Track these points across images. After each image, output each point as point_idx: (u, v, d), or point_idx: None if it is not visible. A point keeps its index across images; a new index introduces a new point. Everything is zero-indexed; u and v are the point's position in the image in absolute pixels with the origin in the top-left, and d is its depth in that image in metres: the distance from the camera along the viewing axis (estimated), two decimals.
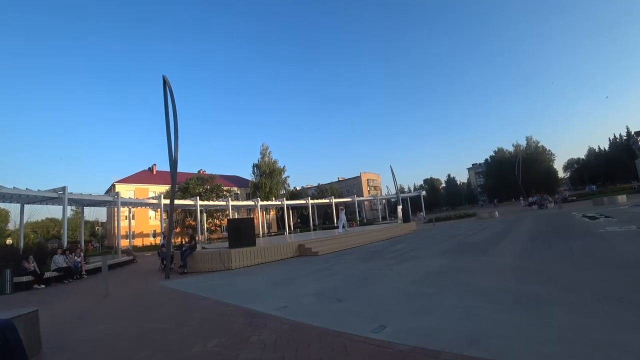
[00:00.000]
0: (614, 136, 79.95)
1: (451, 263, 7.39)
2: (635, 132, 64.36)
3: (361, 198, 61.50)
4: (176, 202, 32.24)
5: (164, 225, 32.20)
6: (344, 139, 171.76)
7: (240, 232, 11.34)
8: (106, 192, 44.74)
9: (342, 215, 18.79)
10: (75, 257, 13.57)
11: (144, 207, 39.04)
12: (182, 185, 46.33)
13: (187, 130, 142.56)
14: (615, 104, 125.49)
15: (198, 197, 30.97)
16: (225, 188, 50.28)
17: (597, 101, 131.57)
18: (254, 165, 60.29)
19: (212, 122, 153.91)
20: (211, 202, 36.15)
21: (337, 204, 53.50)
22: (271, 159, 60.26)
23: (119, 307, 6.61)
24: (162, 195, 28.12)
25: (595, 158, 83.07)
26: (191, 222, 43.19)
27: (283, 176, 60.97)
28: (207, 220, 44.17)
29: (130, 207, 33.96)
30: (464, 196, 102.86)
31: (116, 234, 28.36)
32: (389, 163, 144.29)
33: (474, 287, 4.91)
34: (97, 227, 62.43)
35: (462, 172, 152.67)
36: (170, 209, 10.65)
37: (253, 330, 3.89)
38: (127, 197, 35.48)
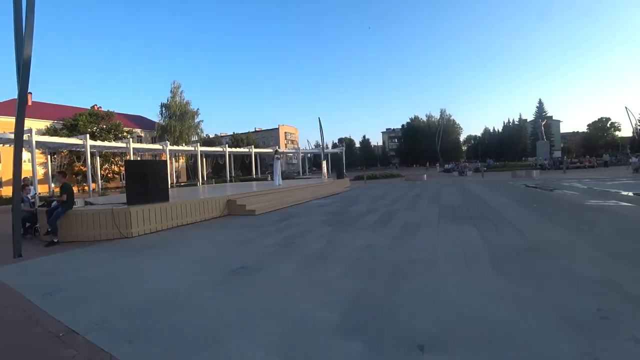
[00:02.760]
0: (508, 120, 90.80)
1: (506, 237, 5.32)
2: (540, 117, 73.14)
3: (284, 150, 58.58)
4: (57, 139, 25.25)
5: (39, 171, 25.08)
6: (261, 90, 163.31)
7: (147, 180, 7.76)
8: None
9: (278, 166, 15.96)
10: None
11: (9, 145, 30.19)
12: (69, 121, 37.34)
13: (76, 53, 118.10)
14: (512, 93, 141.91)
15: (88, 136, 24.43)
16: (126, 129, 42.39)
17: (496, 88, 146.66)
18: (163, 105, 52.10)
19: (110, 45, 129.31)
20: (106, 143, 29.30)
21: (257, 154, 49.95)
22: (183, 99, 52.64)
23: None
24: (34, 131, 21.03)
25: (489, 137, 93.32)
26: (81, 167, 35.49)
27: (196, 120, 54.22)
28: (102, 166, 36.78)
29: None
30: (378, 158, 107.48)
31: None
32: (305, 118, 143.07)
33: None
34: None
35: (376, 136, 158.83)
36: (15, 142, 6.29)
37: None
38: None
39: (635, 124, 60.39)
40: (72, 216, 7.26)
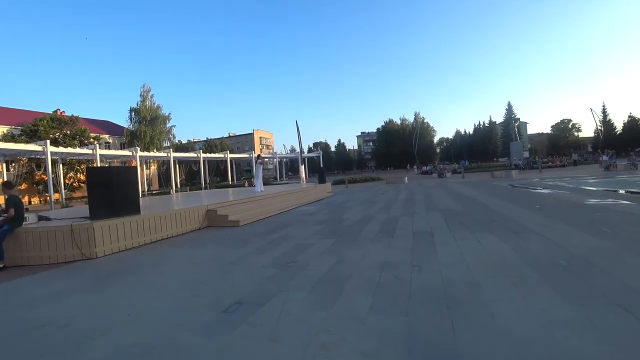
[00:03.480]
0: (479, 123, 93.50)
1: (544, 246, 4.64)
2: (511, 119, 75.78)
3: (263, 155, 57.19)
4: (13, 145, 23.09)
5: None
6: (235, 94, 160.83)
7: (113, 190, 6.65)
8: None
9: (260, 172, 14.97)
10: None
11: None
12: (28, 126, 34.63)
13: (37, 55, 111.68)
14: (482, 97, 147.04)
15: (48, 142, 22.42)
16: (92, 135, 39.87)
17: (464, 93, 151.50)
18: (132, 110, 49.61)
19: (75, 48, 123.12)
20: (70, 150, 27.09)
21: (233, 160, 48.35)
22: (154, 103, 50.40)
23: None
24: None
25: (460, 139, 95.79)
26: (43, 176, 32.89)
27: (168, 125, 52.04)
28: (66, 175, 34.26)
29: None
30: (354, 161, 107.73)
31: None
32: (280, 123, 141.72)
33: None
34: None
35: (351, 139, 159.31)
36: None
37: None
38: None
39: (599, 124, 63.68)
40: (22, 235, 6.07)
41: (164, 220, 7.58)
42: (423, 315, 2.71)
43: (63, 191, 27.20)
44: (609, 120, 71.90)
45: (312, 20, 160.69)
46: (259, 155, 15.32)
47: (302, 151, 46.23)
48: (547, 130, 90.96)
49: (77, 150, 27.37)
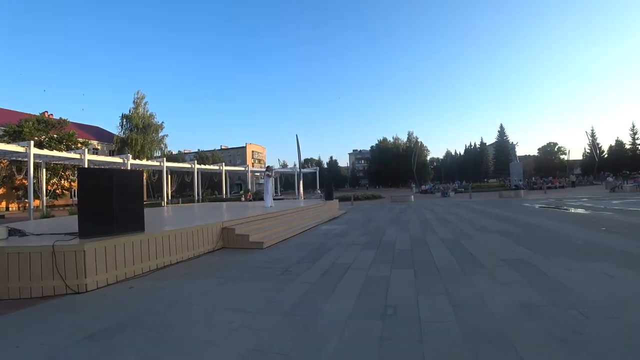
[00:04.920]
0: (470, 144, 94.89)
1: None
2: (507, 140, 78.01)
3: (257, 169, 55.52)
4: None
5: None
6: (228, 107, 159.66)
7: (112, 199, 5.07)
8: None
9: (270, 185, 13.41)
10: None
11: None
12: (13, 127, 32.52)
13: (24, 58, 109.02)
14: (472, 118, 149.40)
15: (32, 143, 20.49)
16: (80, 140, 37.87)
17: (457, 114, 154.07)
18: (124, 117, 47.92)
19: (67, 54, 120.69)
20: (55, 153, 25.04)
21: (228, 172, 46.54)
22: (147, 111, 48.81)
23: None
24: None
25: (451, 159, 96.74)
26: (24, 180, 30.64)
27: (160, 134, 50.32)
28: (49, 180, 32.04)
29: None
30: (347, 179, 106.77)
31: None
32: (273, 138, 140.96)
33: None
34: None
35: (342, 157, 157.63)
36: None
37: None
38: None
39: (595, 147, 64.75)
40: None
41: (173, 240, 5.99)
42: None
43: (44, 198, 25.03)
44: (598, 143, 73.07)
45: (307, 37, 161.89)
46: (268, 167, 13.78)
47: (301, 166, 44.30)
48: (534, 152, 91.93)
49: (64, 154, 25.35)
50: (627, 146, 71.66)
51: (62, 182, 34.59)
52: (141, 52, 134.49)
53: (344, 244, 7.28)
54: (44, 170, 25.97)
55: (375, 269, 4.90)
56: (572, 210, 12.43)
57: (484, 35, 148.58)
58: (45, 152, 24.08)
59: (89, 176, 5.19)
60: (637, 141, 70.51)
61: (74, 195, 42.49)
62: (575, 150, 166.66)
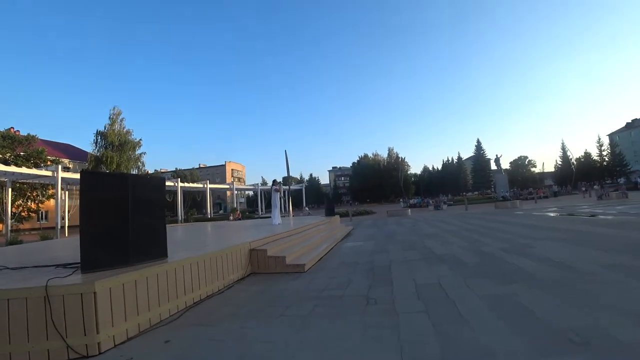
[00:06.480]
0: (447, 158, 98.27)
1: None
2: (479, 155, 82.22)
3: (243, 187, 53.54)
4: None
5: None
6: (206, 125, 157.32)
7: (127, 213, 3.66)
8: None
9: (278, 201, 12.06)
10: None
11: None
12: None
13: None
14: (449, 134, 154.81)
15: None
16: (50, 157, 35.05)
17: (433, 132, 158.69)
18: (99, 133, 44.81)
19: (33, 64, 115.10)
20: (24, 170, 22.50)
21: (213, 190, 44.44)
22: (123, 127, 46.10)
23: None
24: None
25: (428, 174, 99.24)
26: None
27: (137, 152, 47.57)
28: (14, 202, 29.03)
29: None
30: (330, 195, 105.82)
31: None
32: (250, 157, 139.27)
33: None
34: None
35: (322, 174, 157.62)
36: None
37: None
38: None
39: (563, 159, 67.88)
40: None
41: (202, 267, 4.60)
42: None
43: (9, 221, 22.37)
44: (568, 155, 76.15)
45: (284, 55, 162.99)
46: (274, 182, 12.51)
47: (289, 182, 43.23)
48: (505, 165, 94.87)
49: (34, 171, 22.85)
50: (595, 157, 76.10)
51: (29, 203, 31.51)
52: (116, 69, 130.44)
53: (398, 261, 6.07)
54: (10, 190, 23.35)
55: (481, 287, 3.74)
56: (609, 218, 11.67)
57: (454, 57, 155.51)
58: (13, 168, 21.60)
59: (96, 183, 3.74)
60: (603, 153, 76.00)
61: (41, 218, 39.08)
62: (545, 162, 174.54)
